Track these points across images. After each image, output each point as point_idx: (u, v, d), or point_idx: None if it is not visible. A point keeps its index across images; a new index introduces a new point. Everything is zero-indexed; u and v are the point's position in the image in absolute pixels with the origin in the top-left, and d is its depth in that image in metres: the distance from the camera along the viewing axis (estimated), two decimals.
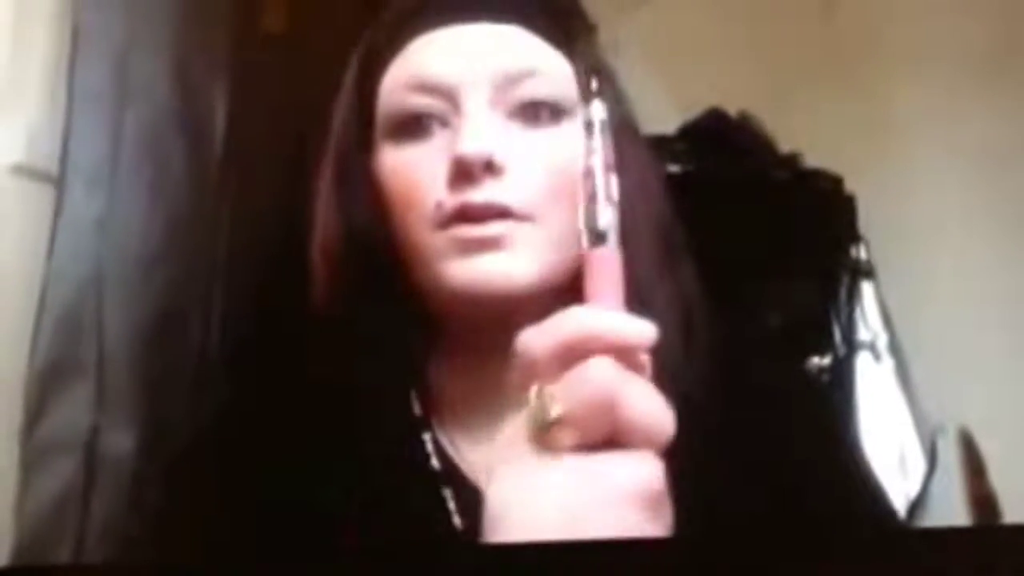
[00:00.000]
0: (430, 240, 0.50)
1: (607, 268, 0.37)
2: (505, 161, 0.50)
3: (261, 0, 0.97)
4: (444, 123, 0.51)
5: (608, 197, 0.37)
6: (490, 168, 0.49)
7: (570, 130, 0.51)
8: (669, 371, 0.38)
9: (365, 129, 0.55)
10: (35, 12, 0.91)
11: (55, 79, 0.90)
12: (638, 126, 0.58)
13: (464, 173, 0.49)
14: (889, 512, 0.61)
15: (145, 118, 0.93)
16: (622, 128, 0.49)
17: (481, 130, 0.50)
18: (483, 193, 0.49)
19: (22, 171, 0.87)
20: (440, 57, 0.53)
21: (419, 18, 0.54)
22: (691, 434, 0.36)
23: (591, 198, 0.37)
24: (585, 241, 0.37)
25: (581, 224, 0.37)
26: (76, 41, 0.89)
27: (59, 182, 0.86)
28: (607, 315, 0.35)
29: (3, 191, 0.86)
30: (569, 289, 0.47)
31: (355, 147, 0.55)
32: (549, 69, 0.53)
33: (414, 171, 0.52)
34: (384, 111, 0.54)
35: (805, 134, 1.21)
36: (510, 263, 0.49)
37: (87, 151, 0.88)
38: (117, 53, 0.91)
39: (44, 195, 0.87)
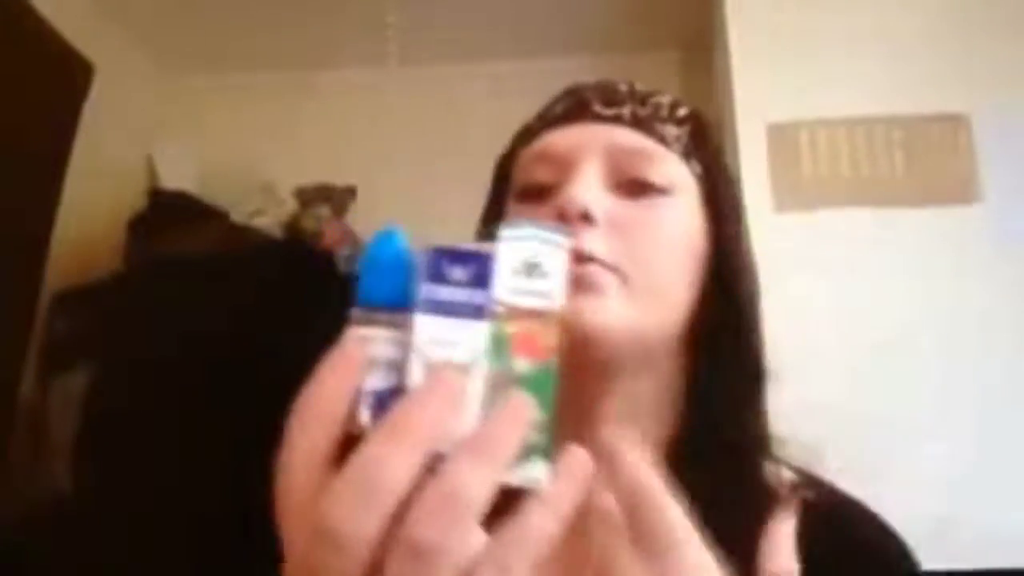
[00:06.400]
0: None
1: None
2: (600, 218, 0.55)
3: None
4: (558, 192, 0.58)
5: None
6: (587, 219, 0.54)
7: (668, 203, 0.58)
8: None
9: (501, 197, 0.65)
10: None
11: None
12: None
13: (562, 219, 0.54)
14: None
15: None
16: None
17: (583, 187, 0.56)
18: (578, 241, 0.53)
19: None
20: (564, 136, 0.61)
21: (555, 119, 0.64)
22: None
23: None
24: None
25: None
26: None
27: None
28: None
29: None
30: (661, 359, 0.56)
31: (493, 209, 0.66)
32: (661, 154, 0.60)
33: None
34: (514, 182, 0.63)
35: None
36: (603, 306, 0.53)
37: None
38: None
39: None
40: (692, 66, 2.43)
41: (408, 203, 2.18)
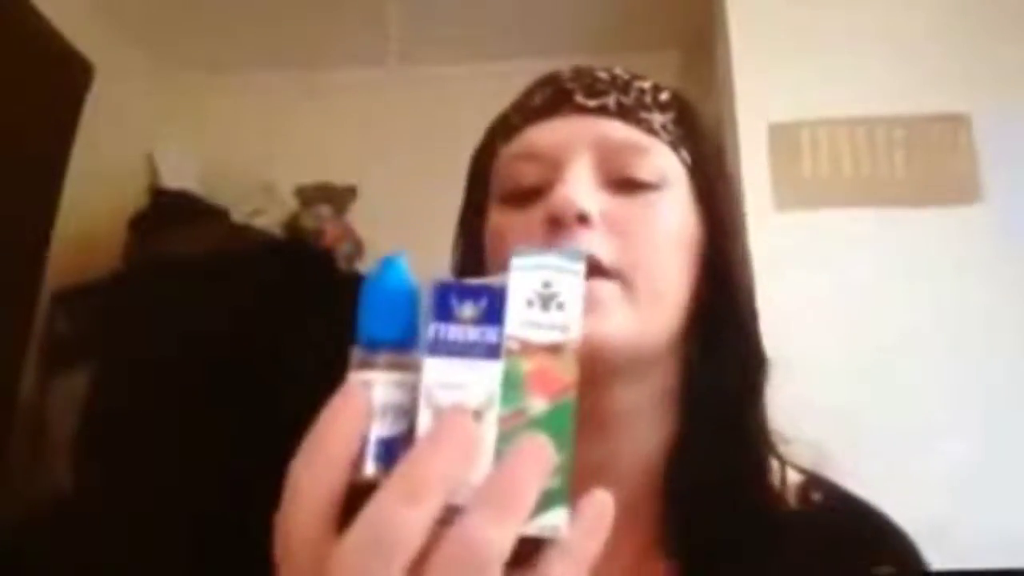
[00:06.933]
0: None
1: None
2: (596, 218, 0.53)
3: None
4: (546, 193, 0.55)
5: None
6: (583, 221, 0.52)
7: (661, 198, 0.56)
8: None
9: (482, 198, 0.62)
10: None
11: None
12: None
13: (557, 222, 0.53)
14: None
15: None
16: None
17: (576, 187, 0.54)
18: (575, 243, 0.52)
19: None
20: (549, 132, 0.58)
21: (535, 112, 0.60)
22: None
23: None
24: None
25: None
26: None
27: None
28: None
29: None
30: (657, 362, 0.55)
31: (473, 211, 0.64)
32: (650, 146, 0.58)
33: (513, 230, 0.56)
34: (498, 183, 0.60)
35: None
36: (604, 318, 0.51)
37: None
38: None
39: None
40: (693, 66, 2.43)
41: (408, 202, 2.18)
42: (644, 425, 0.58)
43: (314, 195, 2.43)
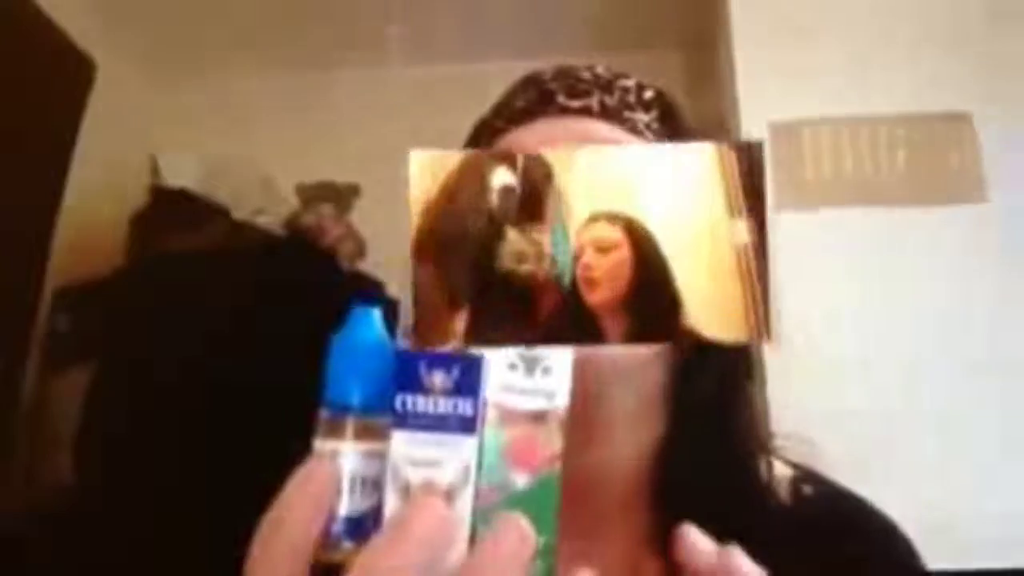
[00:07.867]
0: None
1: None
2: None
3: None
4: None
5: None
6: None
7: None
8: None
9: None
10: None
11: None
12: None
13: None
14: None
15: None
16: None
17: None
18: None
19: None
20: (532, 135, 0.57)
21: (519, 115, 0.59)
22: None
23: None
24: None
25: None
26: None
27: None
28: None
29: None
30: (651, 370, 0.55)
31: None
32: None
33: None
34: None
35: None
36: None
37: None
38: None
39: None
40: (695, 65, 2.42)
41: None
42: (634, 427, 0.58)
43: (316, 193, 2.43)
